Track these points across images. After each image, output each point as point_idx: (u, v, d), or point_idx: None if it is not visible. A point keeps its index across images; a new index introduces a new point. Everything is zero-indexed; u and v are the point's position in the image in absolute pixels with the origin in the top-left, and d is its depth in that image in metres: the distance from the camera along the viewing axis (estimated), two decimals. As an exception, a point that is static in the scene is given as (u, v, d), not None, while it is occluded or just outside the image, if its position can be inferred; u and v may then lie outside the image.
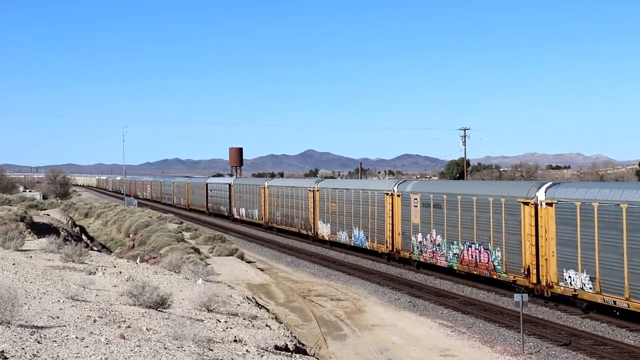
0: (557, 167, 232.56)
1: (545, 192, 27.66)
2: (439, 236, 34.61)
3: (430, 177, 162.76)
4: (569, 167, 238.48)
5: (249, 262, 41.92)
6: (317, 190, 50.99)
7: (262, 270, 38.59)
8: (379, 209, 41.05)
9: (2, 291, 12.86)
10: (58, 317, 14.03)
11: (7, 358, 10.17)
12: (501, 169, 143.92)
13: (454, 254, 33.33)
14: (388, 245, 39.96)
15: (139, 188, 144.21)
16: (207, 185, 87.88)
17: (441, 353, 21.49)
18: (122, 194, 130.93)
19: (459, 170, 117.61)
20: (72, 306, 15.39)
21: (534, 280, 28.05)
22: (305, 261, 43.03)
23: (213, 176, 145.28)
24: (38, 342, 11.41)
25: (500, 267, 30.01)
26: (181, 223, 66.02)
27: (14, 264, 21.56)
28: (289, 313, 26.78)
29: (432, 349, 21.94)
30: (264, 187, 63.69)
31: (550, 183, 28.92)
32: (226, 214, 77.79)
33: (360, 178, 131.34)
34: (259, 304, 22.72)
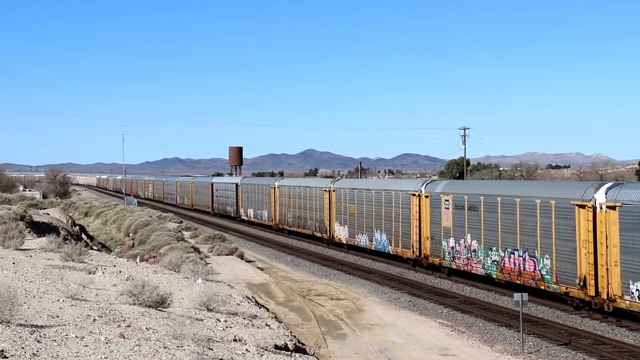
0: (557, 167, 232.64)
1: (606, 194, 24.74)
2: (475, 241, 31.81)
3: (430, 177, 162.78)
4: (568, 167, 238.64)
5: (249, 261, 41.93)
6: (334, 191, 48.07)
7: (262, 269, 38.60)
8: (404, 211, 38.25)
9: (2, 290, 12.86)
10: (58, 317, 14.03)
11: (7, 357, 10.17)
12: (501, 169, 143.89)
13: (493, 261, 30.51)
14: (414, 250, 37.11)
15: (141, 187, 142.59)
16: (212, 184, 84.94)
17: (441, 352, 21.50)
18: (123, 194, 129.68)
19: (459, 169, 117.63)
20: (71, 305, 15.39)
21: (592, 293, 25.01)
22: (305, 260, 43.02)
23: (213, 175, 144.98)
24: (38, 341, 11.41)
25: (549, 276, 27.07)
26: (181, 222, 65.97)
27: (13, 263, 21.56)
28: (288, 312, 26.79)
29: (432, 348, 21.95)
30: (274, 187, 60.67)
31: (611, 183, 26.14)
32: (233, 214, 74.90)
33: (360, 177, 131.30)
34: (258, 303, 22.71)
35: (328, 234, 49.11)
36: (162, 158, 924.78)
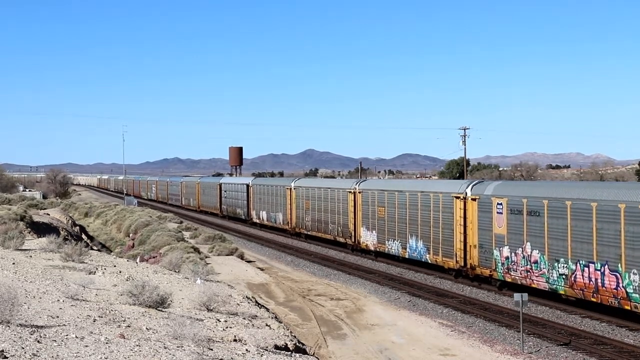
0: (557, 167, 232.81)
1: None
2: (536, 251, 27.92)
3: (430, 177, 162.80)
4: (568, 167, 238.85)
5: (249, 261, 41.95)
6: (360, 192, 44.25)
7: (262, 269, 38.62)
8: (445, 216, 34.47)
9: (2, 291, 12.87)
10: (58, 317, 14.04)
11: (7, 357, 10.18)
12: (501, 169, 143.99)
13: (560, 274, 26.63)
14: (458, 259, 33.30)
15: (143, 188, 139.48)
16: (220, 185, 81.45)
17: (441, 352, 21.51)
18: (126, 194, 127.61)
19: (459, 169, 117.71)
20: (71, 306, 15.41)
21: None
22: (305, 260, 43.03)
23: (213, 175, 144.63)
24: (38, 341, 11.42)
25: (637, 295, 23.35)
26: (181, 222, 66.00)
27: (13, 264, 21.57)
28: (288, 312, 26.81)
29: (432, 348, 21.96)
30: (290, 188, 57.07)
31: None
32: (243, 217, 71.59)
33: (360, 178, 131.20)
34: (258, 304, 22.73)
35: (353, 240, 45.41)
36: (162, 158, 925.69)
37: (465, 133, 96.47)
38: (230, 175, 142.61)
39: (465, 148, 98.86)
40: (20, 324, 12.56)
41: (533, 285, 28.38)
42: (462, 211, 33.00)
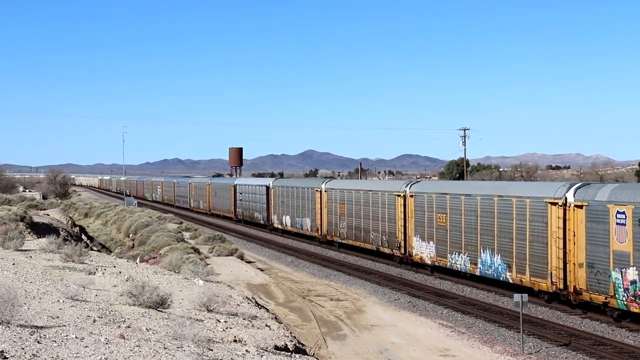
0: (557, 167, 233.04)
1: None
2: None
3: (430, 178, 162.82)
4: (568, 167, 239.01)
5: (249, 262, 41.98)
6: (412, 196, 38.36)
7: (262, 270, 38.65)
8: (534, 225, 28.59)
9: (2, 291, 12.88)
10: (58, 317, 14.06)
11: (7, 358, 10.18)
12: (501, 169, 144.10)
13: None
14: (554, 280, 27.37)
15: (147, 189, 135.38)
16: (235, 187, 75.79)
17: (441, 353, 21.53)
18: (126, 195, 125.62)
19: (459, 170, 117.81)
20: (71, 306, 15.42)
21: None
22: (305, 261, 43.05)
23: (213, 176, 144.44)
24: (38, 342, 11.43)
25: None
26: (181, 223, 65.97)
27: (13, 264, 21.59)
28: (288, 313, 26.82)
29: (432, 349, 21.98)
30: (321, 191, 51.51)
31: None
32: (262, 222, 65.71)
33: (360, 178, 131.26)
34: (258, 304, 22.75)
35: (402, 251, 39.47)
36: (162, 159, 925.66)
37: (465, 134, 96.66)
38: (230, 175, 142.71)
39: (465, 149, 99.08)
40: (20, 325, 12.57)
41: None
42: (561, 221, 27.12)
